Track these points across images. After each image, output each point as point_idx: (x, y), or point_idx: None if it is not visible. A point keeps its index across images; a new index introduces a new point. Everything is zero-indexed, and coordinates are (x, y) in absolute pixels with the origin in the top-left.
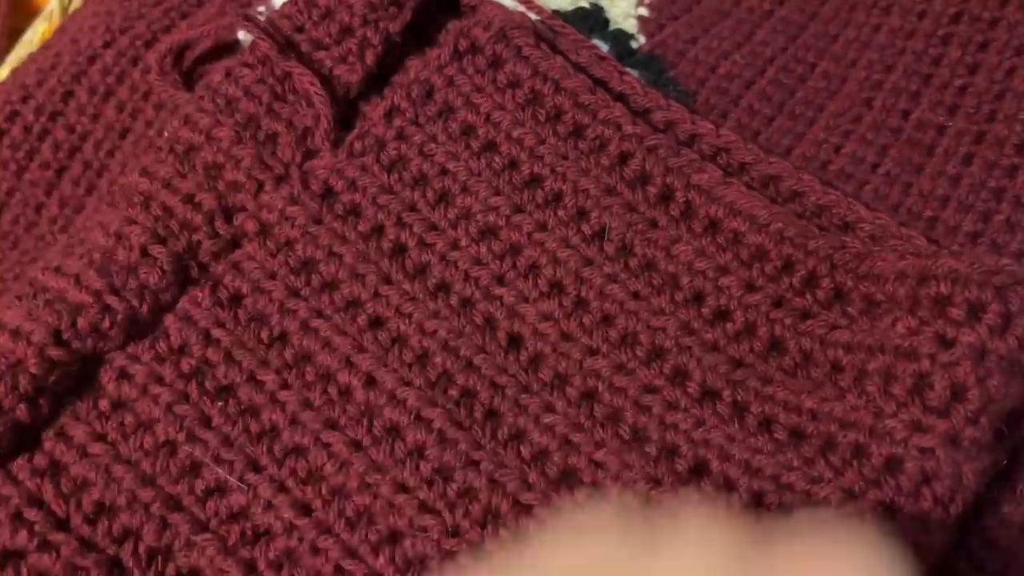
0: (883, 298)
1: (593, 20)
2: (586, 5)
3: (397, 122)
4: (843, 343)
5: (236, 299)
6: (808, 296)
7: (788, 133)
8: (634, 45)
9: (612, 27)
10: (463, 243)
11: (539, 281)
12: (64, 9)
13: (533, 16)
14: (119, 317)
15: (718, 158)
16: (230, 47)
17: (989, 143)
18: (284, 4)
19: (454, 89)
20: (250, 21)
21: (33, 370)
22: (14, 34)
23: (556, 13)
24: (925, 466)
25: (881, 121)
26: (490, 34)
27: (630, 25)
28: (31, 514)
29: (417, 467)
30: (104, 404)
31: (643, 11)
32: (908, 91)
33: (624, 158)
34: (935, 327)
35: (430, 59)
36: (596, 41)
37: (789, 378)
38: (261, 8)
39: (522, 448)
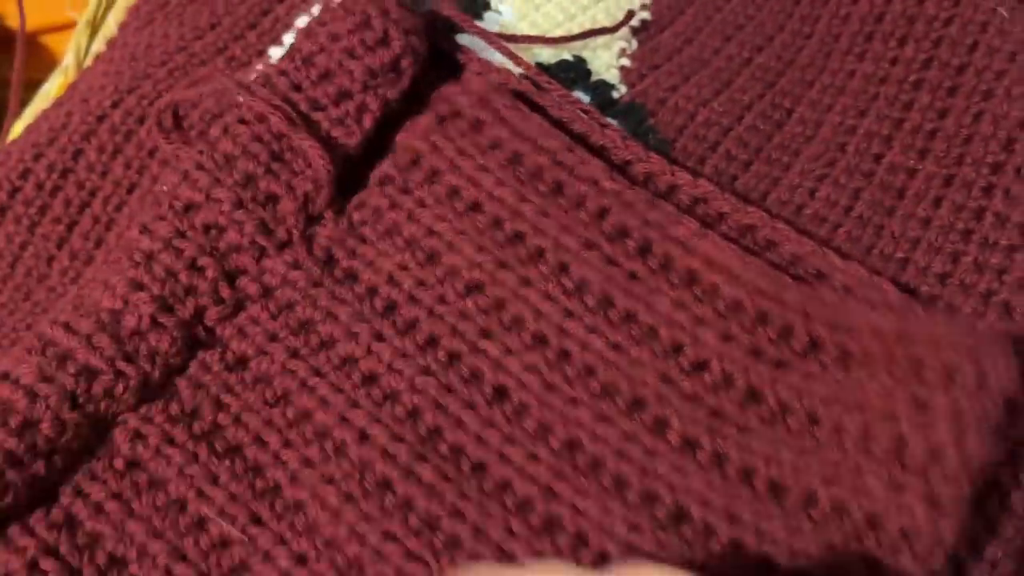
0: (858, 351)
1: (575, 72)
2: (569, 58)
3: (389, 190)
4: (820, 395)
5: (242, 362)
6: (784, 347)
7: (765, 178)
8: (615, 95)
9: (594, 78)
10: (450, 298)
11: (523, 334)
12: (79, 63)
13: (518, 71)
14: (132, 382)
15: (697, 208)
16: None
17: (957, 186)
18: (280, 60)
19: (439, 154)
20: (246, 88)
21: (48, 432)
22: (31, 86)
23: (540, 67)
24: (904, 524)
25: (855, 165)
26: (470, 99)
27: (612, 75)
28: (46, 564)
29: (406, 518)
30: (119, 463)
31: (625, 61)
32: (880, 135)
33: (602, 213)
34: (910, 390)
35: (416, 126)
36: (578, 92)
37: (767, 428)
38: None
39: (506, 498)
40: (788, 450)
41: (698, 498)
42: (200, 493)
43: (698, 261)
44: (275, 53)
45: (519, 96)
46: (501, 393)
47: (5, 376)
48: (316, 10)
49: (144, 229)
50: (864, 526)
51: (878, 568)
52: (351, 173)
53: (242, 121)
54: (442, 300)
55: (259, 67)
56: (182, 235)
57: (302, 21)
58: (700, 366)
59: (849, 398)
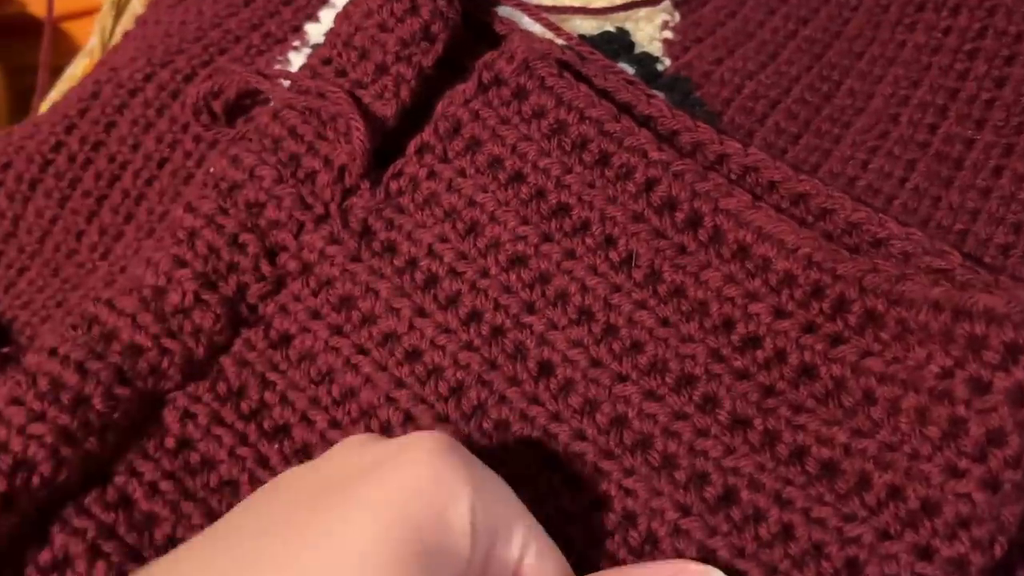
0: (916, 326)
1: (619, 44)
2: (612, 29)
3: (428, 159)
4: (876, 372)
5: (286, 340)
6: (839, 321)
7: (815, 151)
8: (660, 68)
9: (638, 50)
10: (492, 272)
11: (568, 308)
12: (105, 45)
13: (560, 42)
14: (177, 359)
15: (747, 178)
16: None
17: (1018, 155)
18: (321, 48)
19: (480, 123)
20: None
21: (100, 408)
22: (55, 72)
23: (582, 38)
24: (961, 510)
25: (909, 136)
26: (513, 66)
27: (655, 48)
28: (108, 546)
29: None
30: (170, 443)
31: (668, 34)
32: (935, 105)
33: (650, 184)
34: (970, 369)
35: (456, 94)
36: (622, 65)
37: (821, 406)
38: (296, 42)
39: (553, 477)
40: (842, 430)
41: (748, 481)
42: (252, 477)
43: (749, 233)
44: (311, 29)
45: (563, 66)
46: (546, 369)
47: (53, 352)
48: None
49: (189, 207)
50: (919, 512)
51: (934, 556)
52: (387, 143)
53: (290, 107)
54: (484, 273)
55: (296, 43)
56: (224, 212)
57: None
58: (752, 342)
59: (906, 377)
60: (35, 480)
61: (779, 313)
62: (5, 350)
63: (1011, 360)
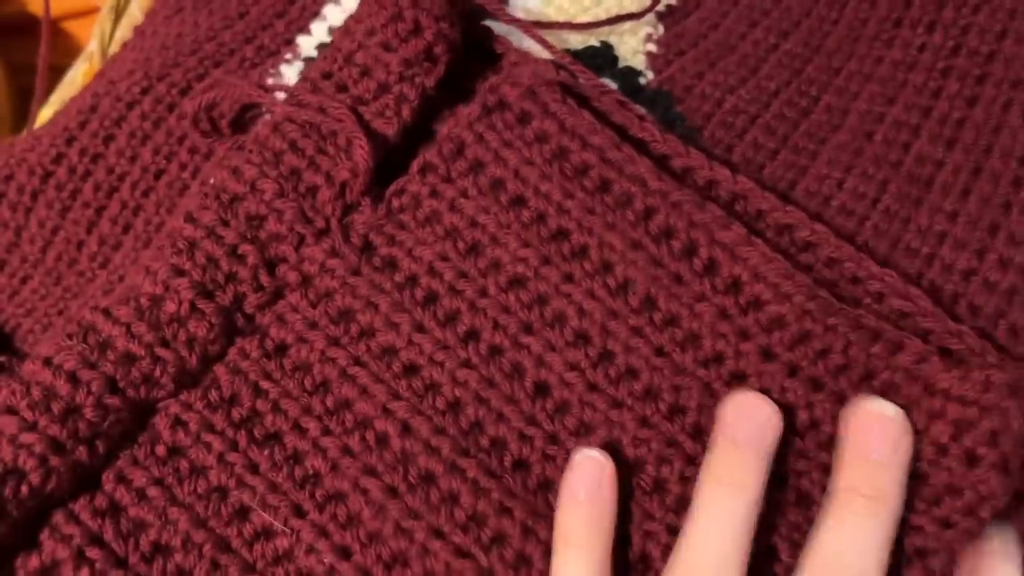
0: (888, 380)
1: (602, 58)
2: (596, 43)
3: (430, 178)
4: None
5: (281, 350)
6: (820, 366)
7: (792, 167)
8: (642, 81)
9: (621, 64)
10: (492, 292)
11: (565, 331)
12: (104, 50)
13: (551, 58)
14: (170, 368)
15: (735, 204)
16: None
17: (985, 178)
18: (322, 60)
19: (483, 145)
20: (296, 96)
21: (91, 418)
22: (54, 71)
23: (567, 52)
24: (919, 544)
25: (882, 155)
26: (518, 91)
27: (638, 61)
28: (92, 553)
29: (451, 514)
30: (161, 450)
31: (651, 47)
32: (909, 124)
33: (649, 213)
34: (932, 434)
35: (461, 116)
36: (605, 79)
37: (799, 440)
38: (288, 55)
39: (550, 497)
40: (816, 465)
41: None
42: (240, 482)
43: (745, 271)
44: (303, 41)
45: (566, 90)
46: (543, 390)
47: (47, 362)
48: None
49: (188, 218)
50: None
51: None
52: (389, 162)
53: (290, 120)
54: (484, 293)
55: (288, 56)
56: (225, 223)
57: (329, 10)
58: (739, 378)
59: None
60: (24, 489)
61: (766, 355)
62: (0, 359)
63: (964, 430)
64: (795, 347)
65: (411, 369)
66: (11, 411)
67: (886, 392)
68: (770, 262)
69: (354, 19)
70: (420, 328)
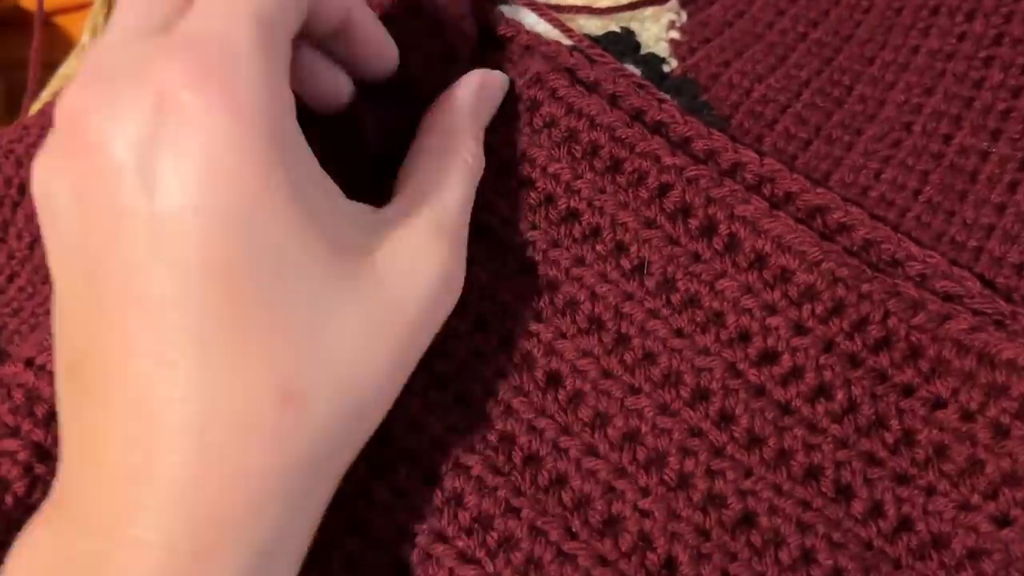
0: (935, 356)
1: (624, 44)
2: (617, 29)
3: None
4: (892, 401)
5: None
6: (857, 340)
7: (826, 158)
8: (666, 69)
9: (644, 51)
10: (500, 278)
11: (577, 317)
12: None
13: (567, 42)
14: None
15: (762, 188)
16: None
17: None
18: None
19: (490, 132)
20: None
21: None
22: (46, 66)
23: (587, 38)
24: (971, 544)
25: (922, 146)
26: (525, 79)
27: (661, 49)
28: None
29: (455, 515)
30: None
31: (675, 34)
32: (949, 115)
33: (664, 190)
34: (990, 414)
35: None
36: (628, 66)
37: (836, 426)
38: None
39: (563, 494)
40: (857, 454)
41: (767, 505)
42: None
43: (768, 243)
44: None
45: (572, 73)
46: (554, 379)
47: (29, 363)
48: None
49: None
50: (929, 544)
51: None
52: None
53: None
54: (493, 278)
55: None
56: None
57: None
58: (769, 357)
59: (925, 412)
60: (8, 500)
61: (798, 328)
62: None
63: None
64: (829, 319)
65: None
66: None
67: (936, 372)
68: (795, 232)
69: None
70: None
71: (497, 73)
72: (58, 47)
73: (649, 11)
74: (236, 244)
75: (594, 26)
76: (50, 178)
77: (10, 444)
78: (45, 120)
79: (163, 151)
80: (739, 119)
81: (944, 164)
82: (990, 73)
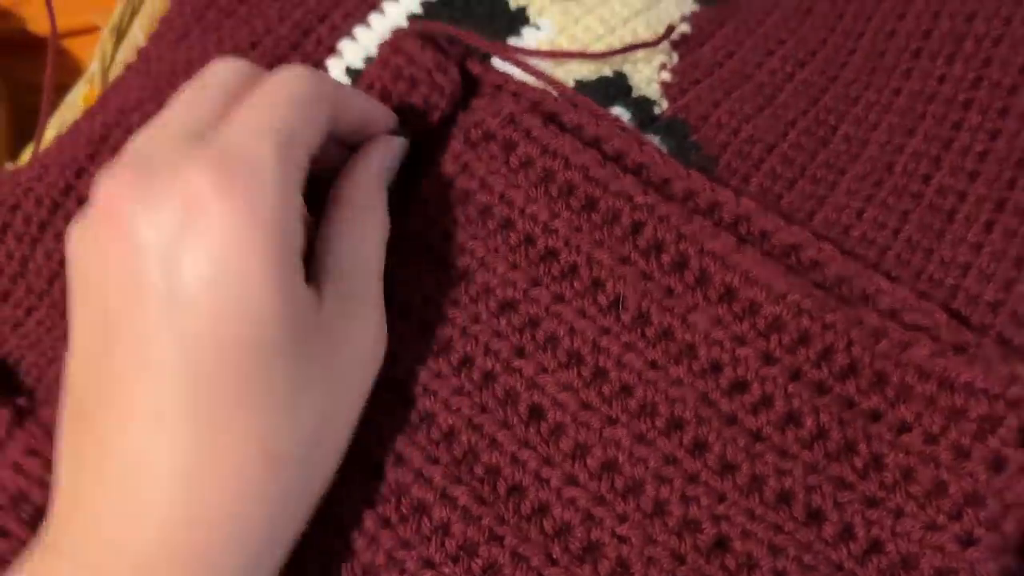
0: (898, 382)
1: (616, 88)
2: (609, 74)
3: (433, 212)
4: (859, 426)
5: None
6: (824, 369)
7: (810, 197)
8: (657, 111)
9: (635, 94)
10: (483, 317)
11: (558, 352)
12: (105, 72)
13: (552, 91)
14: None
15: (739, 226)
16: None
17: (1009, 211)
18: None
19: (469, 174)
20: None
21: None
22: (55, 90)
23: (579, 83)
24: (938, 565)
25: (902, 186)
26: (499, 120)
27: (653, 91)
28: None
29: (442, 543)
30: None
31: (666, 76)
32: (929, 155)
33: (636, 228)
34: (952, 437)
35: (449, 151)
36: (619, 109)
37: (806, 451)
38: None
39: (545, 522)
40: (827, 478)
41: (740, 529)
42: None
43: (736, 276)
44: None
45: (552, 117)
46: (537, 413)
47: None
48: (358, 32)
49: None
50: (898, 565)
51: None
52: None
53: None
54: (476, 319)
55: None
56: None
57: (345, 45)
58: (739, 386)
59: (890, 433)
60: None
61: (766, 358)
62: (21, 401)
63: (990, 431)
64: (796, 349)
65: (408, 400)
66: (34, 453)
67: (900, 398)
68: (762, 266)
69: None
70: (420, 359)
71: (396, 140)
72: (66, 71)
73: (641, 53)
74: (237, 328)
75: (587, 70)
76: (83, 247)
77: None
78: (64, 159)
79: (186, 245)
80: (727, 159)
81: (923, 204)
82: (969, 115)
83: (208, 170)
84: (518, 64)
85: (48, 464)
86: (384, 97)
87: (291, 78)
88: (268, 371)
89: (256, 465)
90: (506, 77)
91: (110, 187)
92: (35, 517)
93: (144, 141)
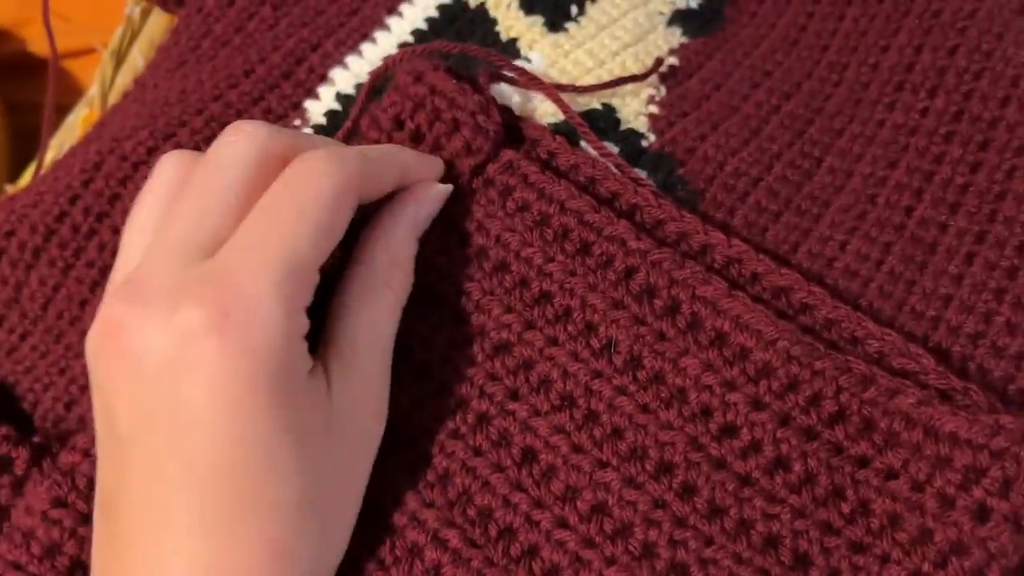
0: (885, 428)
1: (604, 121)
2: (598, 106)
3: (430, 253)
4: (849, 472)
5: None
6: (813, 415)
7: (795, 229)
8: (644, 144)
9: (624, 127)
10: (479, 360)
11: (551, 395)
12: (104, 95)
13: (550, 119)
14: None
15: (731, 268)
16: None
17: (990, 243)
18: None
19: (468, 217)
20: None
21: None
22: (56, 111)
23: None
24: None
25: (885, 218)
26: (498, 166)
27: (640, 123)
28: None
29: None
30: None
31: (654, 108)
32: (911, 188)
33: (630, 272)
34: (937, 485)
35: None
36: (607, 143)
37: (794, 496)
38: (297, 121)
39: (534, 564)
40: (814, 523)
41: (727, 573)
42: None
43: (727, 322)
44: (311, 106)
45: (548, 161)
46: (529, 455)
47: (87, 453)
48: (350, 61)
49: None
50: None
51: None
52: None
53: None
54: (471, 361)
55: (296, 122)
56: None
57: (337, 73)
58: (729, 431)
59: (877, 480)
60: None
61: (756, 404)
62: (36, 440)
63: (975, 481)
64: (785, 395)
65: (404, 443)
66: (61, 503)
67: (887, 444)
68: (752, 311)
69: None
70: (417, 403)
71: (435, 188)
72: (66, 91)
73: (630, 86)
74: (241, 450)
75: (577, 103)
76: (96, 357)
77: (84, 531)
78: (58, 186)
79: (182, 375)
80: (713, 192)
81: (906, 235)
82: (950, 148)
83: (203, 307)
84: (527, 87)
85: (76, 516)
86: (417, 138)
87: (308, 177)
88: (275, 484)
89: (267, 561)
90: (522, 120)
91: (114, 308)
92: (71, 569)
93: (147, 266)
